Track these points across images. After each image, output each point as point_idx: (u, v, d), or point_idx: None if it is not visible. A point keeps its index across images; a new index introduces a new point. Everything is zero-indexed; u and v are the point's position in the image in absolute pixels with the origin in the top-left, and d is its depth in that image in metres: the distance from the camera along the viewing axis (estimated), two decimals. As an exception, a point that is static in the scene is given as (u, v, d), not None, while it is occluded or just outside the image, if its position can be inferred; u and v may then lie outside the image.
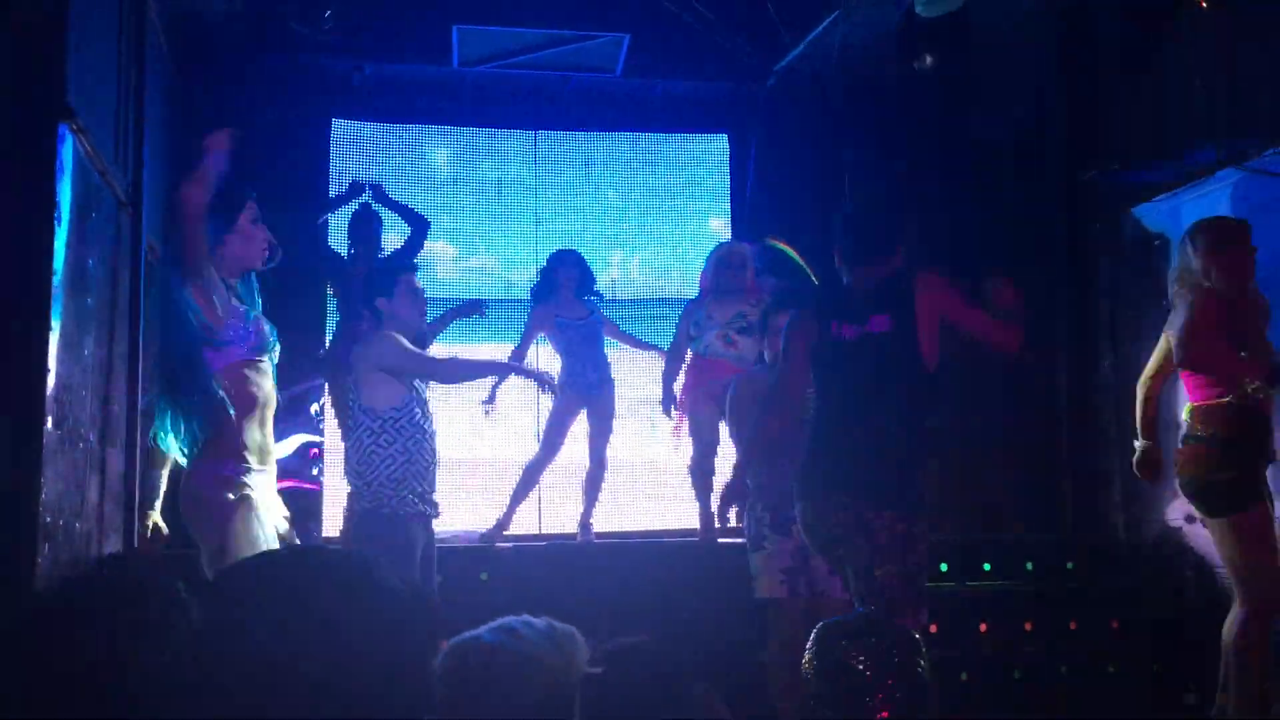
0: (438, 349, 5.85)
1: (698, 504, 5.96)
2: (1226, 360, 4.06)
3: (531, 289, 6.28)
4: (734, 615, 4.78)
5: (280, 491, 3.81)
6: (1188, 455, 4.17)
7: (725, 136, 7.31)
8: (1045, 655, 5.47)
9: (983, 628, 5.40)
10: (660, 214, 7.28)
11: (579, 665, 2.20)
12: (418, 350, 4.32)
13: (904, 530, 3.41)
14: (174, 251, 3.51)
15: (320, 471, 6.39)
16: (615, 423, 6.17)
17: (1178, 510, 5.47)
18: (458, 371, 4.50)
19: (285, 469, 5.67)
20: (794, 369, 3.75)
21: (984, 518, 6.32)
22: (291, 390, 6.11)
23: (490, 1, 6.34)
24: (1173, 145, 5.57)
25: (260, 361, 3.56)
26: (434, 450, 4.38)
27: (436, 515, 4.42)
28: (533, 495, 6.20)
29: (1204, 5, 5.06)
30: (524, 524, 6.15)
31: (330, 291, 6.44)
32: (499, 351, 6.62)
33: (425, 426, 4.35)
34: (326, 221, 6.42)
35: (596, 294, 6.29)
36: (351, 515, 4.33)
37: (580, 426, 6.14)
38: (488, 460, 6.56)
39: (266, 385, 3.60)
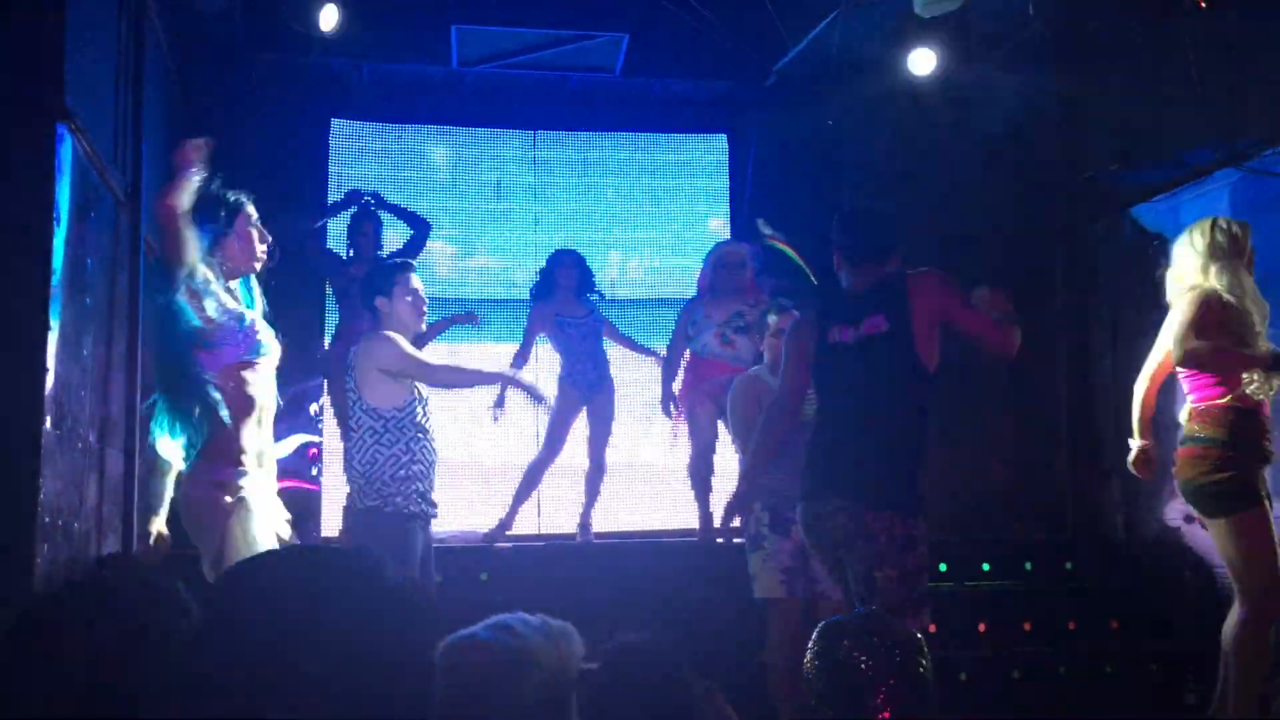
0: (440, 349, 5.85)
1: (696, 504, 5.96)
2: (1224, 360, 4.06)
3: (531, 288, 6.28)
4: (733, 615, 4.78)
5: (279, 492, 3.81)
6: (1186, 457, 4.17)
7: (724, 136, 7.31)
8: (1044, 655, 5.47)
9: (982, 627, 5.40)
10: (659, 214, 7.29)
11: (575, 661, 2.20)
12: (417, 354, 4.31)
13: (904, 531, 3.41)
14: (163, 258, 3.50)
15: (319, 472, 6.38)
16: (614, 424, 6.17)
17: (1177, 510, 5.47)
18: (455, 378, 4.50)
19: (284, 469, 5.66)
20: (793, 377, 3.76)
21: (983, 518, 6.32)
22: (290, 390, 6.11)
23: (489, 1, 6.33)
24: (1172, 145, 5.57)
25: (257, 364, 3.54)
26: (434, 450, 4.39)
27: (436, 515, 4.42)
28: (532, 496, 6.20)
29: (1202, 5, 5.05)
30: (523, 524, 6.15)
31: (330, 291, 6.44)
32: (499, 351, 6.62)
33: (426, 426, 4.36)
34: (325, 225, 6.41)
35: (597, 293, 6.29)
36: (352, 514, 4.31)
37: (580, 426, 6.14)
38: (487, 460, 6.56)
39: (264, 388, 3.58)
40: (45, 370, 3.77)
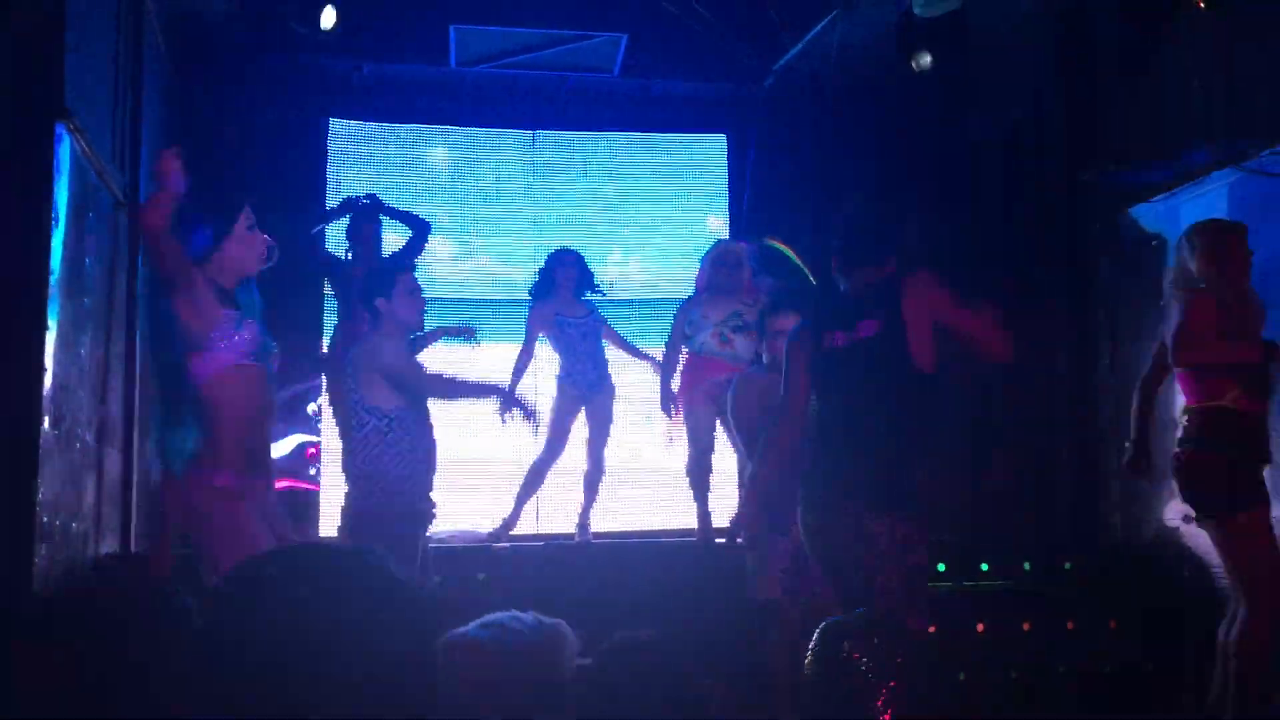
0: (440, 349, 5.85)
1: (695, 504, 5.95)
2: (1220, 361, 4.06)
3: (531, 288, 6.28)
4: (731, 615, 4.78)
5: (277, 492, 3.81)
6: (1183, 459, 4.18)
7: (723, 136, 7.31)
8: (1043, 655, 5.47)
9: (980, 628, 5.40)
10: (658, 214, 7.28)
11: (569, 657, 2.21)
12: (415, 361, 4.30)
13: (903, 533, 3.41)
14: (150, 269, 3.50)
15: (317, 471, 6.38)
16: (613, 424, 6.17)
17: (1175, 510, 5.47)
18: (449, 389, 4.45)
19: (282, 469, 5.68)
20: (794, 387, 3.76)
21: (982, 518, 6.32)
22: (289, 390, 6.11)
23: (488, 1, 6.33)
24: (1171, 145, 5.57)
25: (252, 367, 3.54)
26: (435, 449, 4.40)
27: (435, 515, 4.43)
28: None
29: (1201, 5, 5.05)
30: (522, 524, 6.14)
31: (330, 291, 6.43)
32: (498, 351, 6.62)
33: (427, 425, 4.37)
34: (323, 231, 6.41)
35: (599, 292, 6.29)
36: (352, 513, 4.30)
37: (579, 427, 6.14)
38: (487, 460, 6.55)
39: (260, 391, 3.57)
40: (43, 370, 3.77)
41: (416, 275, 4.55)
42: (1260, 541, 4.00)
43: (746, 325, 5.73)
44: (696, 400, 5.82)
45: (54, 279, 3.85)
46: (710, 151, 7.33)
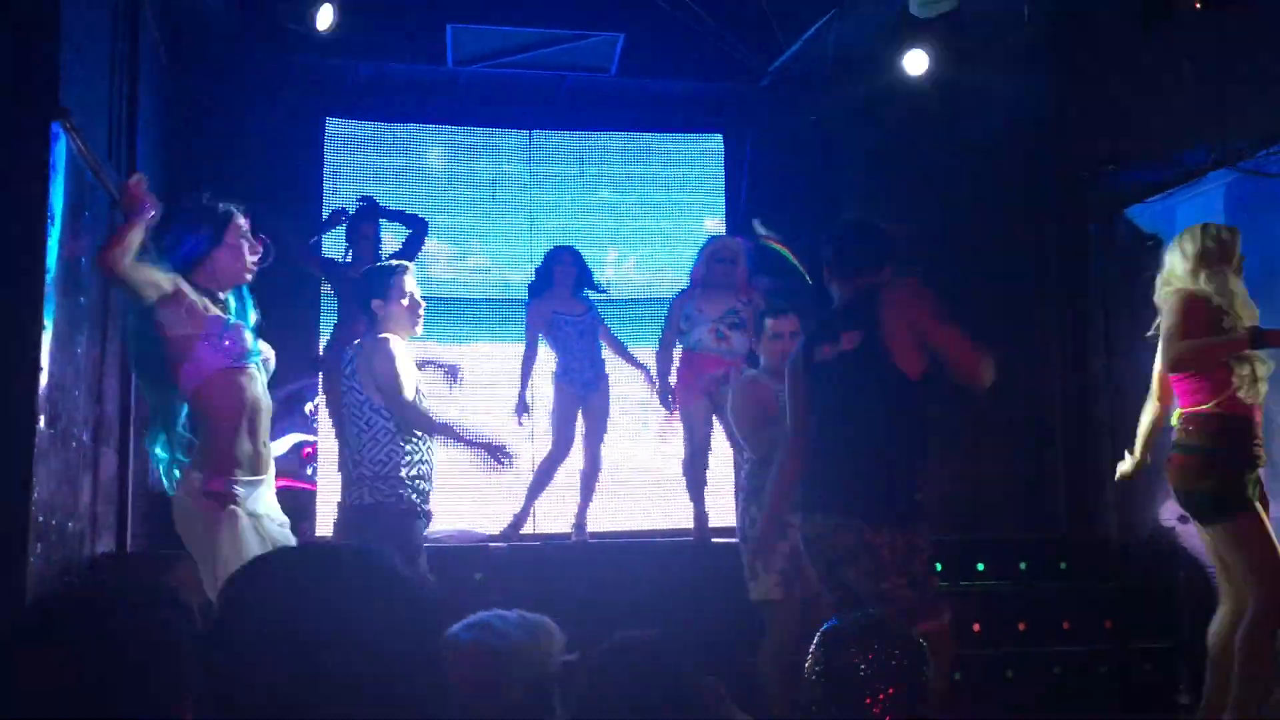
0: (441, 350, 5.84)
1: (691, 503, 5.95)
2: (1207, 355, 4.06)
3: (529, 285, 6.28)
4: (729, 615, 4.78)
5: (276, 491, 3.80)
6: (1176, 464, 4.19)
7: (720, 136, 7.31)
8: (1039, 655, 5.48)
9: (976, 627, 5.40)
10: (655, 213, 7.28)
11: (556, 655, 2.21)
12: (403, 382, 4.27)
13: (905, 542, 3.42)
14: (128, 295, 3.49)
15: (314, 471, 6.37)
16: (609, 421, 6.16)
17: (1171, 510, 5.48)
18: (421, 423, 4.37)
19: (279, 468, 5.66)
20: (796, 412, 3.78)
21: (978, 518, 6.33)
22: (285, 390, 6.11)
23: (485, 0, 6.33)
24: (1167, 146, 5.58)
25: (245, 369, 3.53)
26: (434, 450, 4.42)
27: (432, 517, 4.44)
28: (524, 496, 6.20)
29: (1198, 6, 5.06)
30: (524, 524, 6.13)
31: (328, 291, 6.42)
32: (498, 351, 6.63)
33: None
34: (320, 242, 6.40)
35: (598, 289, 6.28)
36: (358, 511, 4.29)
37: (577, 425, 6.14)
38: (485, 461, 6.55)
39: (253, 393, 3.56)
40: (39, 370, 3.77)
41: (413, 278, 4.54)
42: (1260, 542, 4.00)
43: (743, 322, 5.73)
44: (692, 396, 5.81)
45: (50, 278, 3.85)
46: (707, 151, 7.33)
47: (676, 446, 6.03)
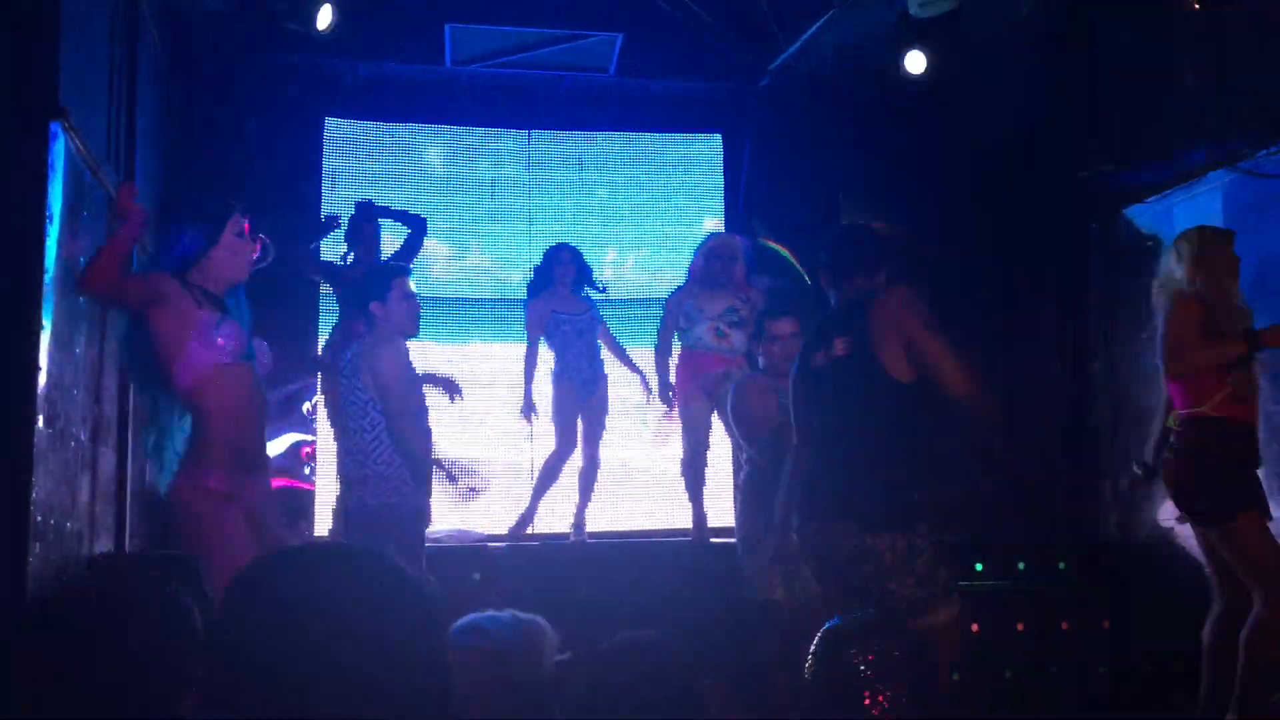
0: (440, 349, 5.84)
1: (690, 504, 5.95)
2: (1204, 359, 4.07)
3: (528, 283, 6.27)
4: (728, 615, 4.78)
5: (273, 491, 3.80)
6: (1171, 466, 4.21)
7: (719, 136, 7.30)
8: (1037, 655, 5.48)
9: (975, 628, 5.41)
10: (654, 213, 7.28)
11: (549, 655, 2.21)
12: (401, 388, 4.27)
13: (905, 543, 3.43)
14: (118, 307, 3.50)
15: (312, 471, 6.37)
16: (608, 420, 6.16)
17: (1169, 511, 5.48)
18: (406, 436, 4.38)
19: (278, 468, 5.66)
20: (796, 417, 3.81)
21: (976, 518, 6.33)
22: (283, 390, 6.10)
23: (483, 0, 6.32)
24: (1167, 146, 5.58)
25: (238, 367, 3.53)
26: (432, 446, 4.45)
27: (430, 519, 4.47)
28: (526, 495, 6.20)
29: (1196, 6, 5.07)
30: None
31: (328, 291, 6.41)
32: (497, 351, 6.63)
33: (427, 423, 4.40)
34: (318, 248, 6.39)
35: (599, 288, 6.28)
36: (360, 512, 4.28)
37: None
38: (484, 461, 6.55)
39: (248, 390, 3.56)
40: (38, 369, 3.76)
41: (412, 278, 4.54)
42: (1261, 543, 4.01)
43: (742, 320, 5.73)
44: (692, 395, 5.80)
45: (48, 277, 3.85)
46: (706, 151, 7.33)
47: (676, 447, 6.03)
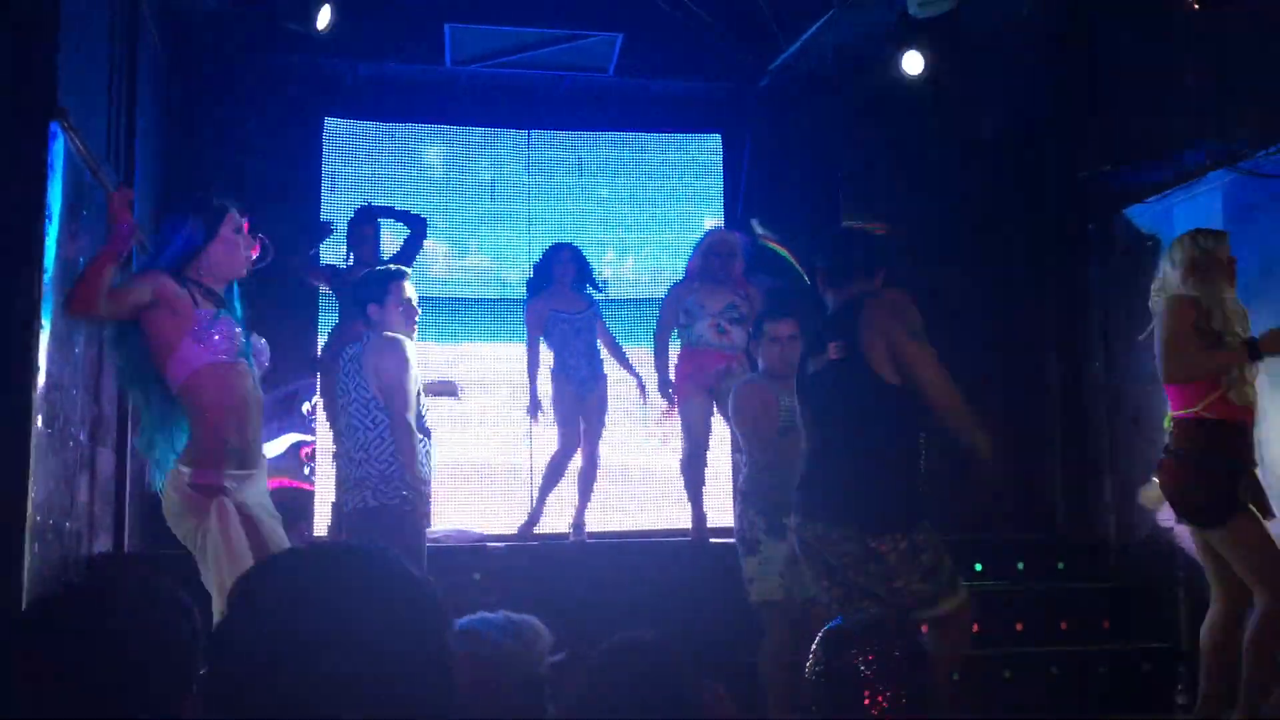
0: (440, 350, 5.84)
1: (690, 504, 5.95)
2: (1202, 368, 4.08)
3: (527, 282, 6.27)
4: (727, 615, 4.78)
5: (272, 491, 3.80)
6: (1165, 469, 4.21)
7: (719, 136, 7.30)
8: (1036, 655, 5.48)
9: (974, 627, 5.40)
10: (653, 213, 7.28)
11: (543, 656, 2.20)
12: (408, 389, 4.27)
13: (909, 544, 3.45)
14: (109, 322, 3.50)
15: (312, 471, 6.36)
16: (608, 419, 6.16)
17: (1168, 511, 5.48)
18: (403, 438, 4.37)
19: (277, 468, 5.66)
20: (802, 422, 3.82)
21: (975, 518, 6.33)
22: (283, 389, 6.10)
23: (483, 0, 6.32)
24: (1167, 146, 5.58)
25: (234, 364, 3.53)
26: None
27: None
28: (525, 495, 6.20)
29: (1196, 7, 5.07)
30: (517, 524, 6.13)
31: (327, 291, 6.41)
32: (496, 351, 6.62)
33: (429, 429, 4.41)
34: (318, 253, 6.39)
35: (597, 286, 6.27)
36: (361, 513, 4.28)
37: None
38: (483, 461, 6.55)
39: (243, 387, 3.56)
40: (37, 369, 3.76)
41: (411, 280, 4.54)
42: (1258, 543, 4.01)
43: (743, 316, 5.74)
44: (693, 393, 5.80)
45: (48, 277, 3.85)
46: (706, 151, 7.33)
47: (675, 447, 6.03)
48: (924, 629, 3.51)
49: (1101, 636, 5.61)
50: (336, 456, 4.72)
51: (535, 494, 6.25)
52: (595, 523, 6.21)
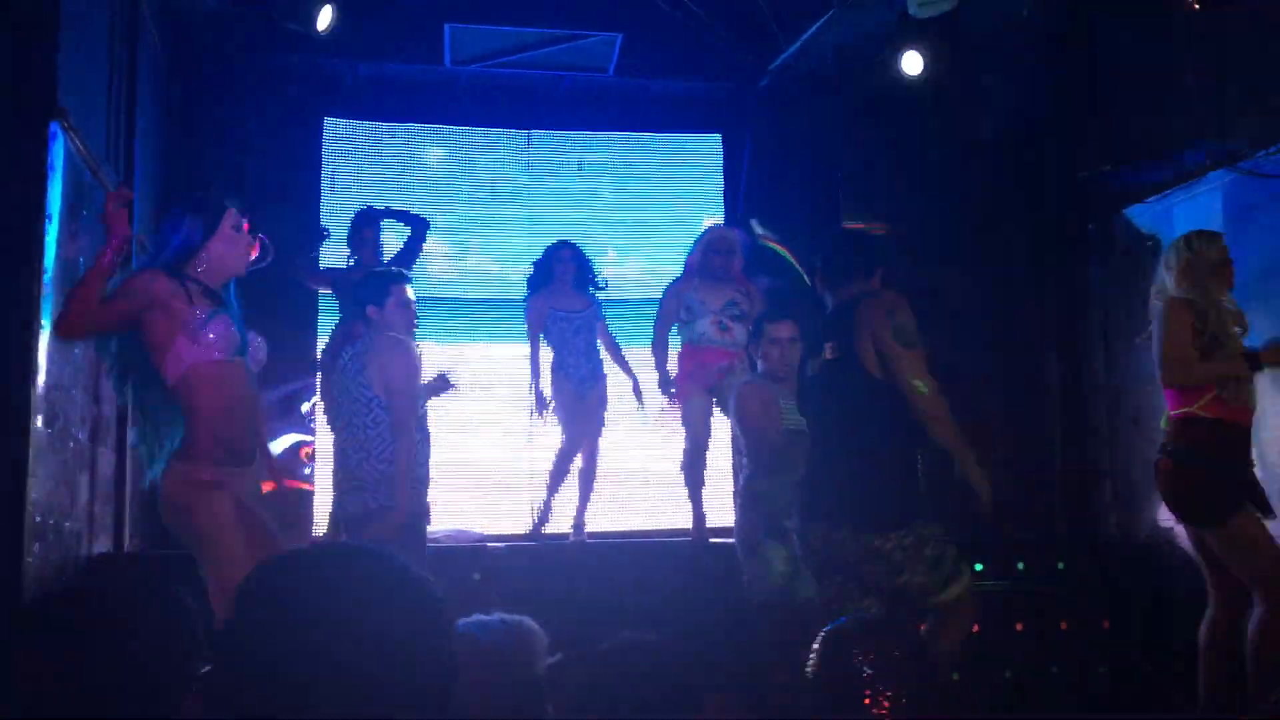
0: (441, 350, 5.84)
1: (690, 504, 5.94)
2: (1202, 375, 4.09)
3: (527, 279, 6.26)
4: (727, 616, 4.78)
5: (271, 491, 3.80)
6: (1162, 468, 4.21)
7: (719, 136, 7.30)
8: (1037, 655, 5.48)
9: (974, 627, 5.40)
10: (653, 213, 7.27)
11: (540, 655, 2.20)
12: (414, 393, 4.28)
13: (912, 541, 3.47)
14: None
15: (312, 471, 6.36)
16: (607, 418, 6.16)
17: (1168, 511, 5.48)
18: (403, 440, 4.38)
19: (278, 468, 5.65)
20: (809, 423, 3.83)
21: (975, 518, 6.32)
22: (283, 389, 6.09)
23: (483, 0, 6.32)
24: (1167, 146, 5.58)
25: (231, 362, 3.53)
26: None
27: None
28: (524, 495, 6.19)
29: (1196, 7, 5.07)
30: (517, 523, 6.14)
31: (327, 291, 6.40)
32: (496, 351, 6.62)
33: (429, 430, 4.41)
34: (317, 257, 6.39)
35: (599, 285, 6.26)
36: (357, 512, 4.28)
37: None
38: (483, 461, 6.55)
39: (239, 384, 3.56)
40: (37, 369, 3.76)
41: (411, 283, 4.55)
42: (1257, 542, 4.01)
43: (744, 313, 5.74)
44: (693, 391, 5.80)
45: (48, 277, 3.85)
46: (706, 151, 7.32)
47: (675, 447, 6.03)
48: (923, 628, 3.51)
49: (1102, 637, 5.61)
50: (335, 456, 4.71)
51: (536, 494, 6.26)
52: (595, 523, 6.21)
